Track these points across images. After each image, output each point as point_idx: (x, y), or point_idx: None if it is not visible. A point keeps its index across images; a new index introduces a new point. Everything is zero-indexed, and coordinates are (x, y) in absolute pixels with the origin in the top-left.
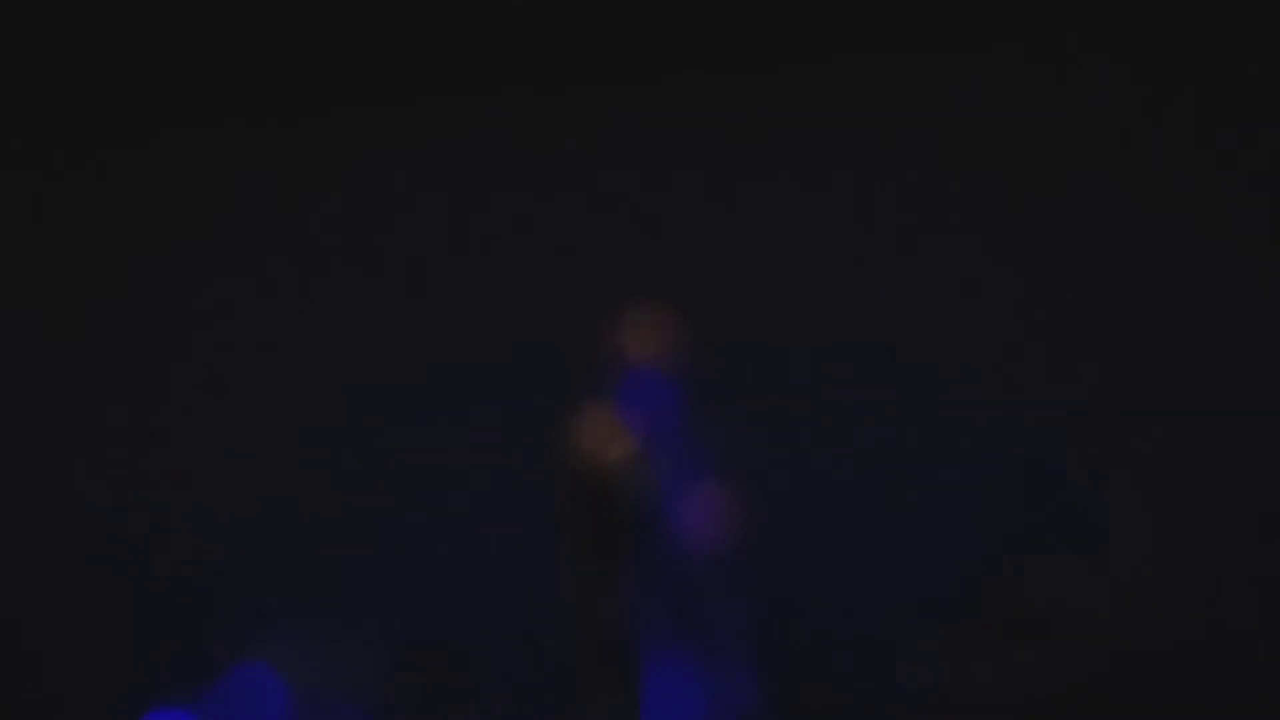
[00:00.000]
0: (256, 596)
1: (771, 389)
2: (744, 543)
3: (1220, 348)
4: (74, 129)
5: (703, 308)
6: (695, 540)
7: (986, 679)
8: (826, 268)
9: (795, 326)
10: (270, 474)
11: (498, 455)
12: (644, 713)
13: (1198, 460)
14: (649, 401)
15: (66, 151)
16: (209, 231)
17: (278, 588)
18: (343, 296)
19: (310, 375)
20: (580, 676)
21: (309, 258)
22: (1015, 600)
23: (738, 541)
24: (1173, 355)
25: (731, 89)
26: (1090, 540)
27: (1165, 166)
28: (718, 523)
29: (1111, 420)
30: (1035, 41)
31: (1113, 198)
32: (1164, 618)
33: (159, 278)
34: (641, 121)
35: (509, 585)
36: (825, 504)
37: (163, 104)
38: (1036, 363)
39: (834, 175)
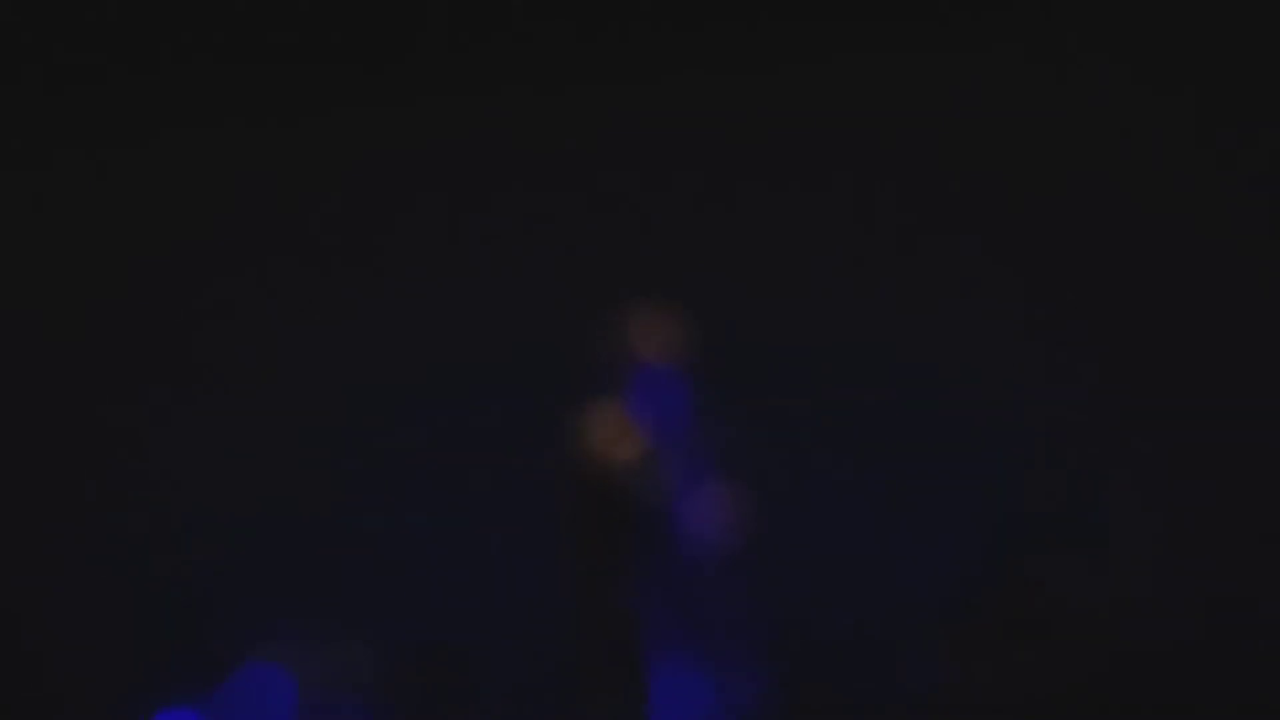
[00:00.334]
0: (260, 597)
1: (774, 389)
2: (748, 542)
3: (1220, 347)
4: (74, 129)
5: (706, 307)
6: (700, 540)
7: (988, 679)
8: (826, 268)
9: (797, 326)
10: (273, 474)
11: (501, 455)
12: (648, 712)
13: (1198, 460)
14: (655, 401)
15: (66, 151)
16: (209, 231)
17: (282, 588)
18: (343, 296)
19: (313, 375)
20: (584, 676)
21: (309, 258)
22: (1017, 600)
23: (742, 541)
24: (1173, 355)
25: (731, 89)
26: (1091, 540)
27: (1165, 166)
28: (722, 522)
29: (1112, 420)
30: (1035, 41)
31: (1113, 198)
32: (1164, 617)
33: (159, 278)
34: (641, 121)
35: (513, 585)
36: (828, 504)
37: (163, 104)
38: (1037, 363)
39: (834, 175)
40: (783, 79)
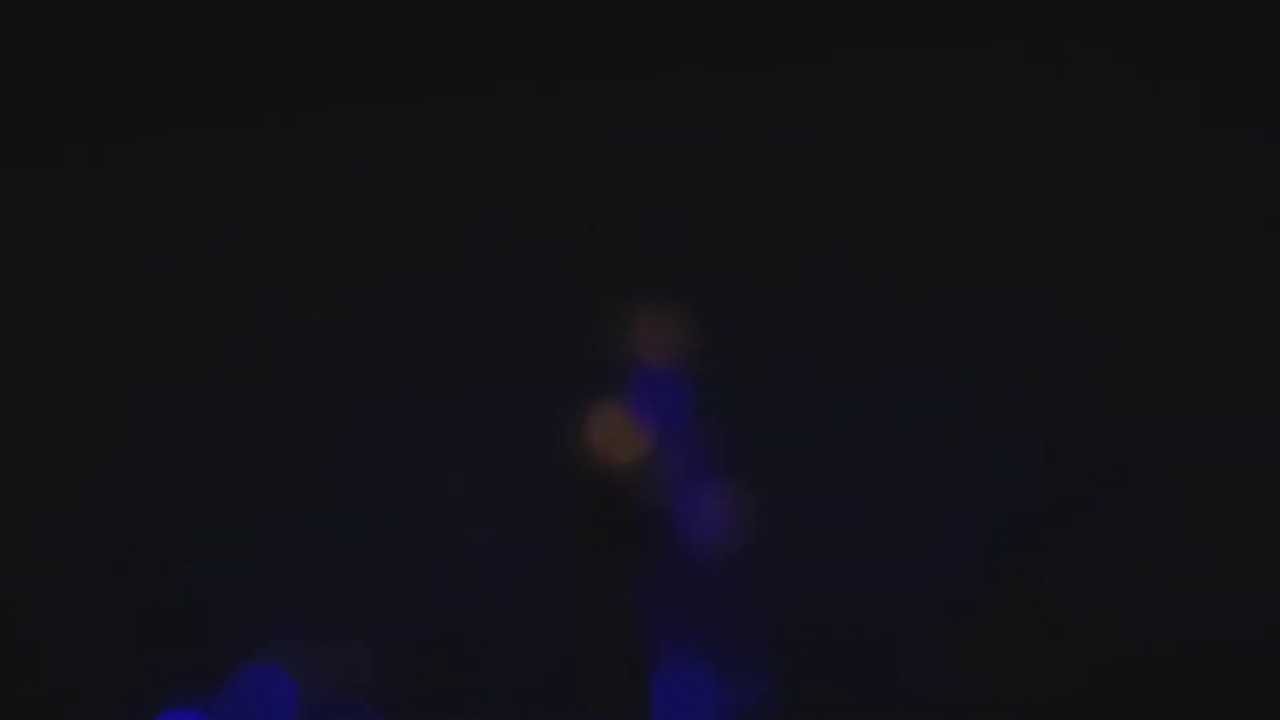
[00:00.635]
0: (262, 598)
1: (775, 389)
2: (749, 543)
3: (1221, 348)
4: (74, 129)
5: (708, 308)
6: (702, 540)
7: (990, 678)
8: (826, 267)
9: (798, 327)
10: (274, 475)
11: (503, 456)
12: (652, 712)
13: (1198, 459)
14: (657, 402)
15: (66, 151)
16: (209, 231)
17: (283, 589)
18: (343, 296)
19: (314, 375)
20: (589, 676)
21: (309, 258)
22: (1018, 600)
23: (743, 541)
24: (1173, 355)
25: (731, 89)
26: (1091, 540)
27: (1165, 166)
28: (724, 523)
29: (1112, 420)
30: (1035, 41)
31: (1113, 198)
32: (1164, 617)
33: (159, 278)
34: (641, 121)
35: (515, 586)
36: (829, 504)
37: (162, 104)
38: (1037, 363)
39: (834, 175)
40: (783, 79)
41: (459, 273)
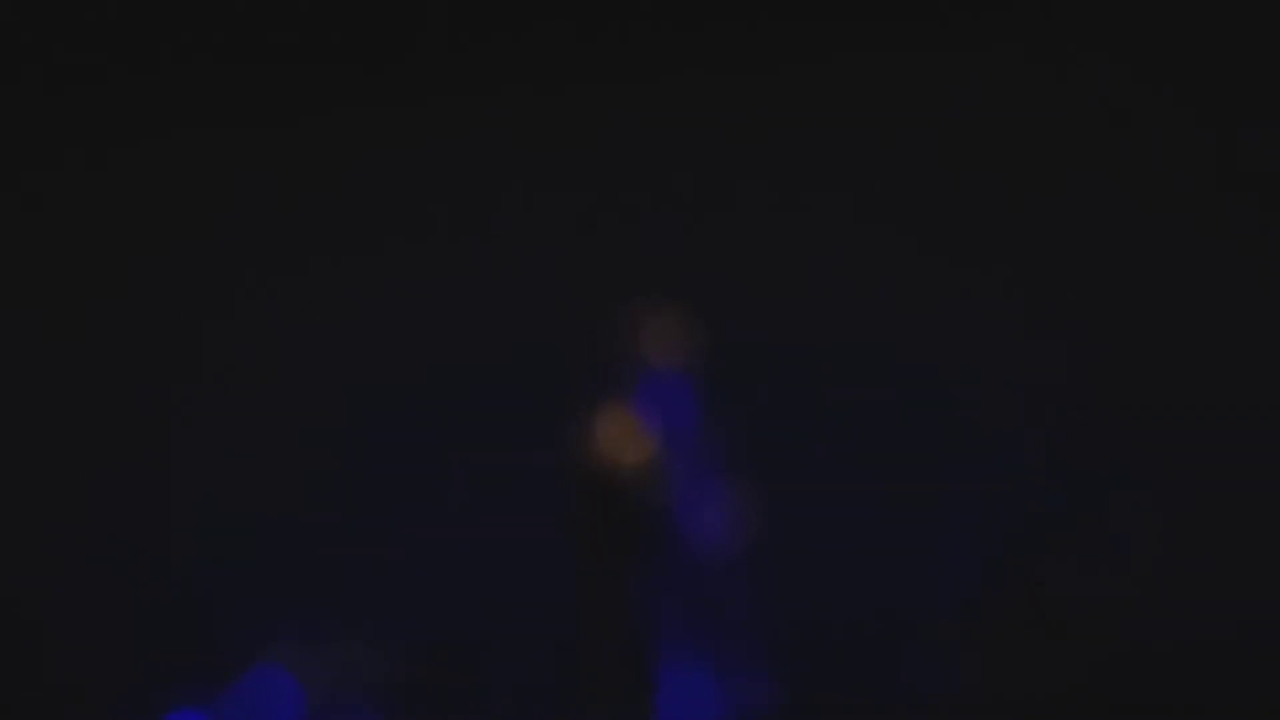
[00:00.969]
0: (267, 599)
1: (778, 390)
2: (754, 544)
3: (1222, 347)
4: (75, 129)
5: (711, 309)
6: (706, 542)
7: (994, 679)
8: (827, 267)
9: (800, 328)
10: (277, 475)
11: (507, 457)
12: (655, 713)
13: (1201, 460)
14: (661, 403)
15: (67, 151)
16: (209, 231)
17: (288, 590)
18: (344, 296)
19: (317, 376)
20: (593, 678)
21: (309, 258)
22: (1022, 601)
23: (748, 543)
24: (1174, 355)
25: (731, 89)
26: (1094, 541)
27: (1165, 166)
28: (728, 524)
29: (1114, 420)
30: (1035, 41)
31: (1113, 198)
32: (1168, 617)
33: (159, 278)
34: (642, 121)
35: (519, 587)
36: (833, 505)
37: (162, 104)
38: (1039, 363)
39: (834, 175)
40: (782, 79)
41: (459, 273)
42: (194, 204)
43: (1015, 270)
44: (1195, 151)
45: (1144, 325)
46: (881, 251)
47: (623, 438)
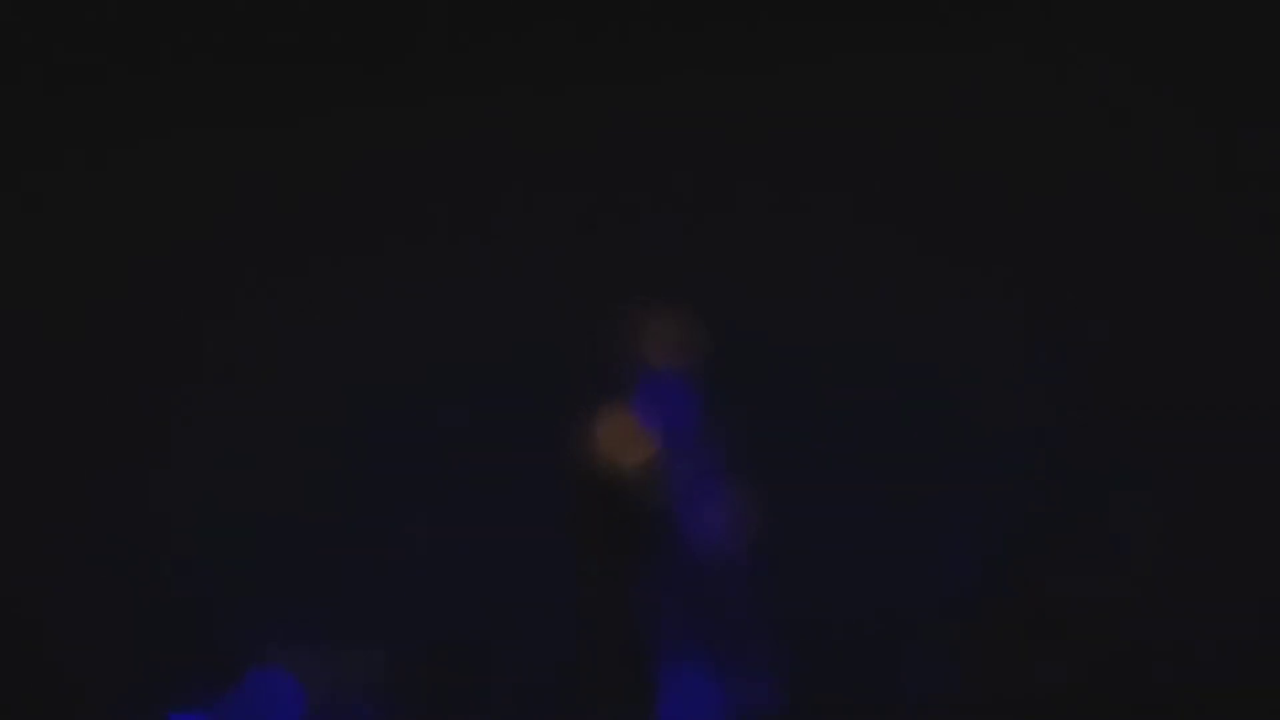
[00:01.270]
0: (268, 601)
1: (780, 392)
2: (757, 544)
3: (1221, 348)
4: (75, 129)
5: (712, 311)
6: (709, 542)
7: (994, 679)
8: (828, 268)
9: (801, 329)
10: (281, 475)
11: (510, 458)
12: (657, 713)
13: (1200, 460)
14: (662, 404)
15: (67, 152)
16: (209, 231)
17: (289, 592)
18: (346, 297)
19: (319, 378)
20: (596, 678)
21: (309, 258)
22: (1022, 603)
23: (751, 543)
24: (1173, 355)
25: (732, 89)
26: (1094, 541)
27: (1165, 166)
28: (729, 525)
29: (1116, 420)
30: (1035, 41)
31: (1113, 198)
32: (1167, 617)
33: (159, 278)
34: (643, 121)
35: (522, 587)
36: (833, 506)
37: (163, 104)
38: (1038, 363)
39: (834, 175)
40: (783, 79)
41: (459, 273)
42: (194, 204)
43: (1015, 270)
44: (1195, 151)
45: (1144, 325)
46: (881, 251)
47: (623, 439)
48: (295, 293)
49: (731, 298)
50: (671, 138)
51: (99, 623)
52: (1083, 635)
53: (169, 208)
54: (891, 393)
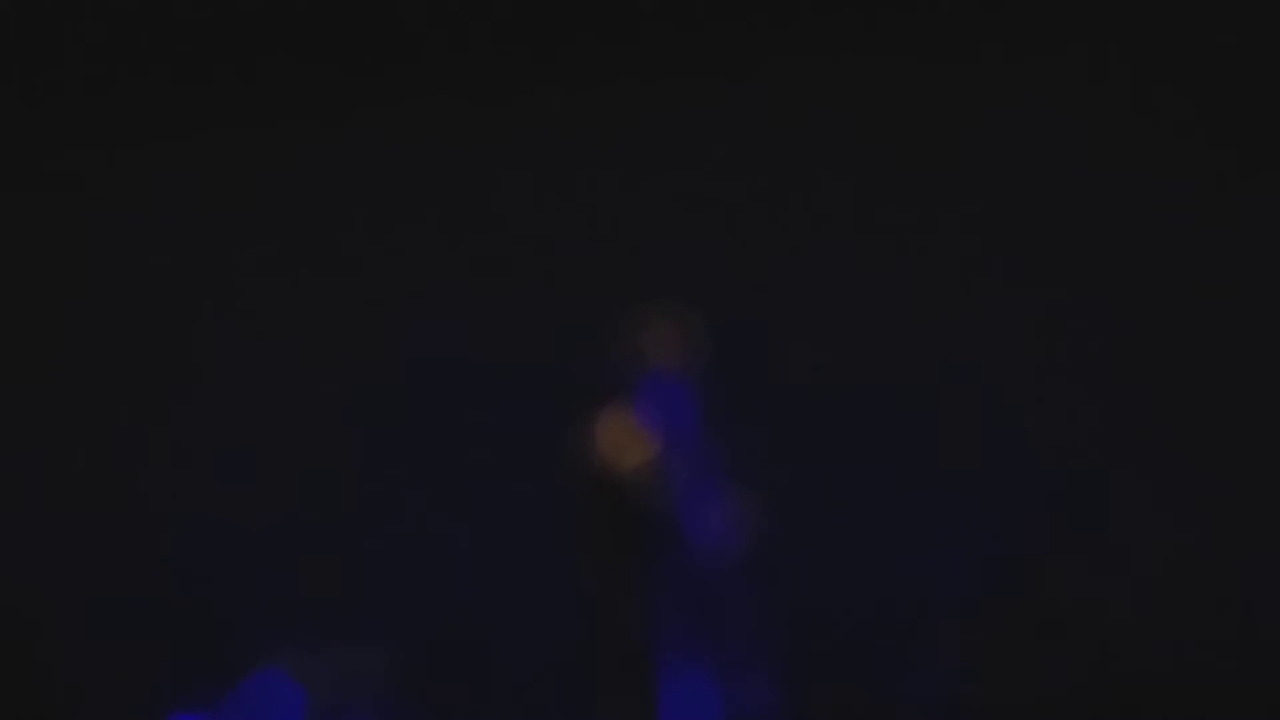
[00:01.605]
0: (271, 602)
1: (782, 394)
2: (758, 546)
3: (1224, 349)
4: (76, 130)
5: (711, 310)
6: (710, 543)
7: (999, 680)
8: (832, 270)
9: (804, 331)
10: (285, 480)
11: (513, 459)
12: (659, 714)
13: (1205, 460)
14: (664, 406)
15: (68, 152)
16: (209, 232)
17: (293, 593)
18: (347, 299)
19: (323, 380)
20: (598, 679)
21: (309, 259)
22: (1027, 603)
23: (752, 544)
24: (1178, 356)
25: (731, 90)
26: (1099, 542)
27: (1165, 166)
28: (731, 527)
29: (1117, 421)
30: (1034, 42)
31: (1113, 198)
32: (1172, 619)
33: (159, 278)
34: (645, 123)
35: (526, 589)
36: (836, 508)
37: (163, 105)
38: (1044, 365)
39: (834, 175)
40: (783, 80)
41: (459, 274)
42: (194, 205)
43: (1018, 270)
44: (1195, 151)
45: (1145, 326)
46: (883, 252)
47: (624, 440)
48: (298, 293)
49: (732, 298)
50: (671, 138)
51: (100, 623)
52: (1084, 635)
53: (170, 208)
54: (892, 393)
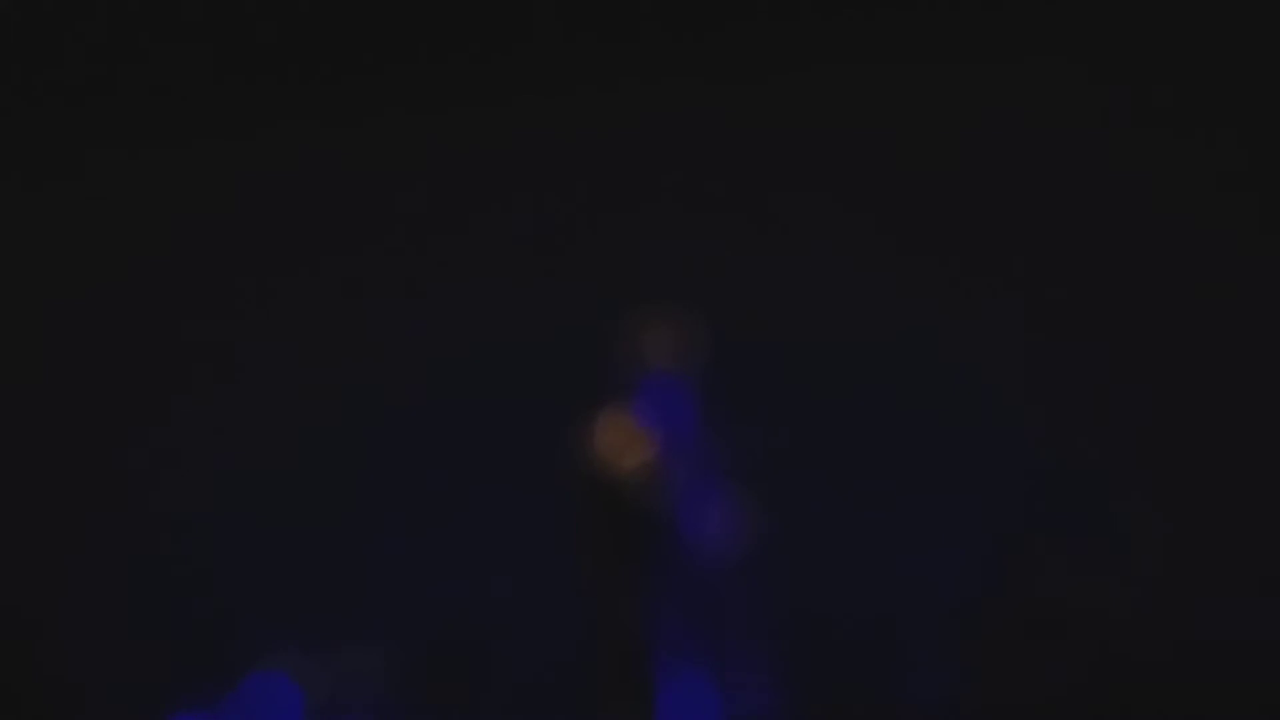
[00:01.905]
0: (269, 604)
1: (779, 392)
2: (757, 548)
3: (1222, 350)
4: (76, 130)
5: (711, 311)
6: (709, 544)
7: (996, 682)
8: (832, 271)
9: (803, 332)
10: (284, 481)
11: (512, 460)
12: (660, 715)
13: (1204, 461)
14: (664, 407)
15: (68, 153)
16: (209, 232)
17: (291, 595)
18: (345, 297)
19: (322, 384)
20: (597, 681)
21: (309, 258)
22: (1031, 604)
23: (750, 546)
24: (1175, 359)
25: (731, 91)
26: (1097, 544)
27: (1165, 166)
28: (730, 528)
29: (1116, 422)
30: (1035, 42)
31: (1112, 198)
32: (1168, 620)
33: (159, 278)
34: (645, 125)
35: (525, 590)
36: (837, 510)
37: (164, 106)
38: (1039, 367)
39: (835, 176)
40: (783, 81)
41: (459, 275)
42: (195, 206)
43: (1015, 271)
44: (1194, 151)
45: (1143, 327)
46: (882, 253)
47: (623, 442)
48: (296, 294)
49: (731, 300)
50: (671, 140)
51: (99, 624)
52: (1083, 636)
53: (170, 209)
54: (892, 394)
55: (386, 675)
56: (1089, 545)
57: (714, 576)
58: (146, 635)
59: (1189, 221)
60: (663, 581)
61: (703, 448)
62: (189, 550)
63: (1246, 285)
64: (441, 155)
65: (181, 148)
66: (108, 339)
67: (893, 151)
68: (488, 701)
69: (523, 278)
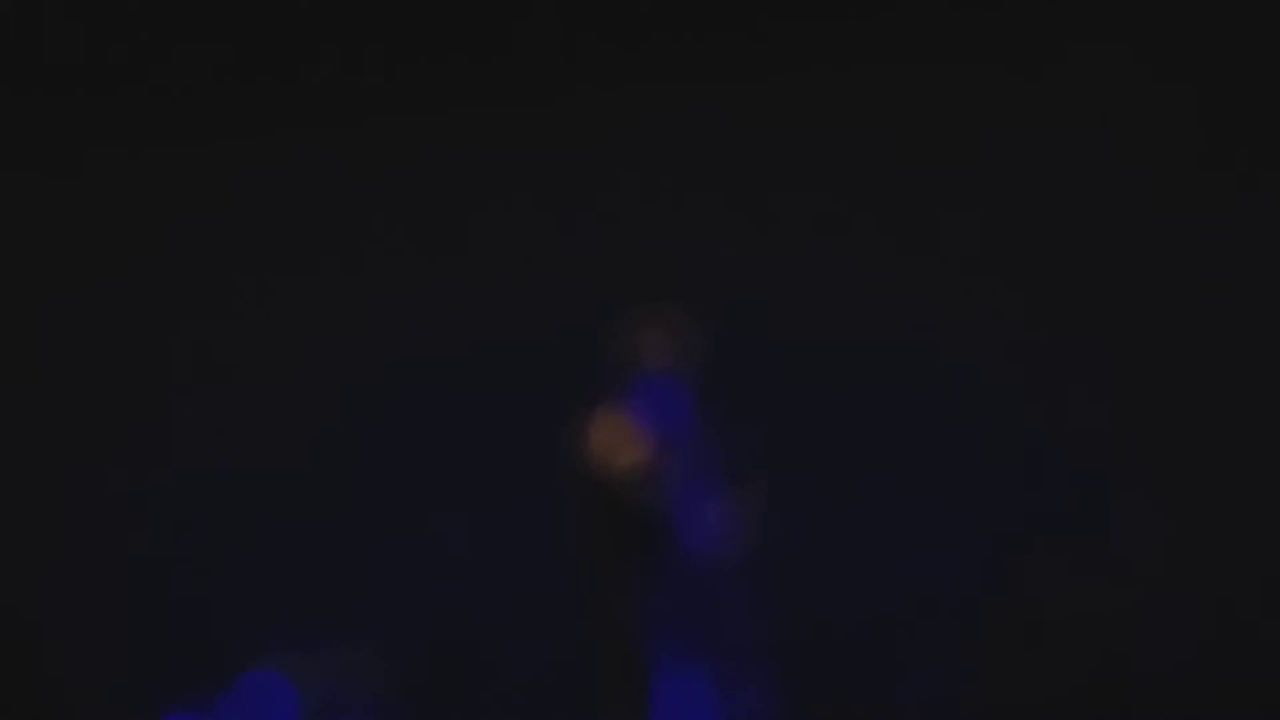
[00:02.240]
0: (266, 603)
1: (778, 395)
2: (755, 548)
3: (1222, 349)
4: (77, 131)
5: (710, 311)
6: (705, 546)
7: (994, 684)
8: (830, 272)
9: (802, 333)
10: (282, 480)
11: (510, 460)
12: (658, 716)
13: (1204, 462)
14: (661, 407)
15: (69, 153)
16: (210, 233)
17: (286, 595)
18: (350, 301)
19: (320, 382)
20: (595, 680)
21: (310, 260)
22: (1030, 605)
23: (747, 548)
24: (1176, 360)
25: (732, 92)
26: (1096, 545)
27: (1167, 166)
28: (727, 529)
29: (1116, 423)
30: (1037, 42)
31: (1113, 198)
32: (1171, 620)
33: (159, 278)
34: (644, 126)
35: (523, 590)
36: (836, 510)
37: (164, 108)
38: (1043, 368)
39: (835, 176)
40: (783, 82)
41: (458, 275)
42: (195, 206)
43: (1015, 271)
44: (1197, 151)
45: (1143, 327)
46: (882, 253)
47: (620, 441)
48: (295, 294)
49: (730, 299)
50: (671, 140)
51: (97, 623)
52: (1083, 637)
53: (171, 209)
54: (892, 394)
55: (385, 675)
56: (1089, 545)
57: (713, 576)
58: (144, 634)
59: (1189, 222)
60: (661, 581)
61: (700, 447)
62: (187, 550)
63: (1247, 285)
64: (441, 155)
65: (182, 148)
66: (108, 339)
67: (893, 151)
68: (487, 701)
69: (522, 278)
